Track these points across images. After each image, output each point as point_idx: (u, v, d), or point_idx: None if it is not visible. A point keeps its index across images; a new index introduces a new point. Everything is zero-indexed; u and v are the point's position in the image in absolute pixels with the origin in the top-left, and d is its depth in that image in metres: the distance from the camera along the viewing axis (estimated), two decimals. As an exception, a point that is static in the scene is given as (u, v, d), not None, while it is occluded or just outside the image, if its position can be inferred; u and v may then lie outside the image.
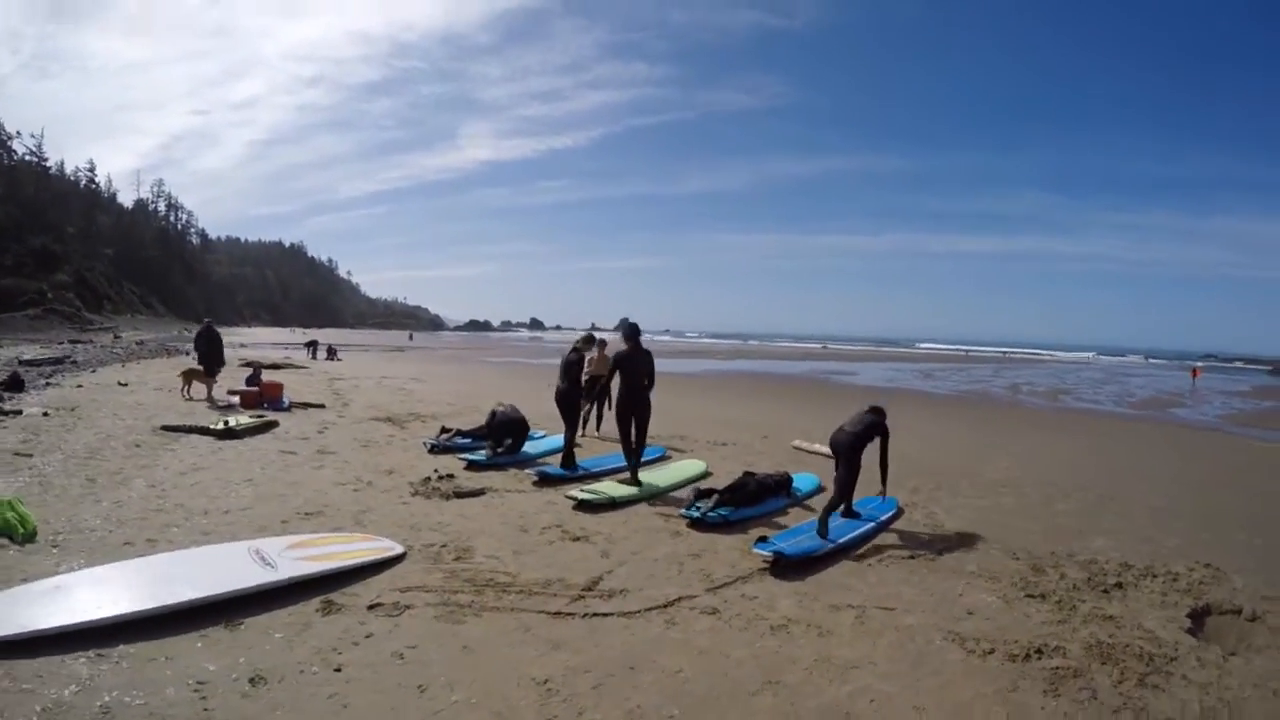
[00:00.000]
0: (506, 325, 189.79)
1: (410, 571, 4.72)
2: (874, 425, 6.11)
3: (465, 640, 3.78)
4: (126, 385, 13.87)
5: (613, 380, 8.03)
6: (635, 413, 7.30)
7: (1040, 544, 6.10)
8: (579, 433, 9.26)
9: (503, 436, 8.68)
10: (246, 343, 35.18)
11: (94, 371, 16.51)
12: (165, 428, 9.39)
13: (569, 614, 4.22)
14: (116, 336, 38.52)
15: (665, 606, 4.42)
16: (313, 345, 31.60)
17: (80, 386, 12.92)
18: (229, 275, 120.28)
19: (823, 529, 5.62)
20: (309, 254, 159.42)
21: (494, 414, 8.76)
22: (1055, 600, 4.79)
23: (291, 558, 4.52)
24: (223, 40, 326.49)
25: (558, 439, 8.86)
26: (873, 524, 6.15)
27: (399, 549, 5.02)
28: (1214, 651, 4.08)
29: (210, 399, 12.73)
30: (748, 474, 6.91)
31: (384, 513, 6.12)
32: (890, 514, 6.51)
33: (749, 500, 6.52)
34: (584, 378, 8.82)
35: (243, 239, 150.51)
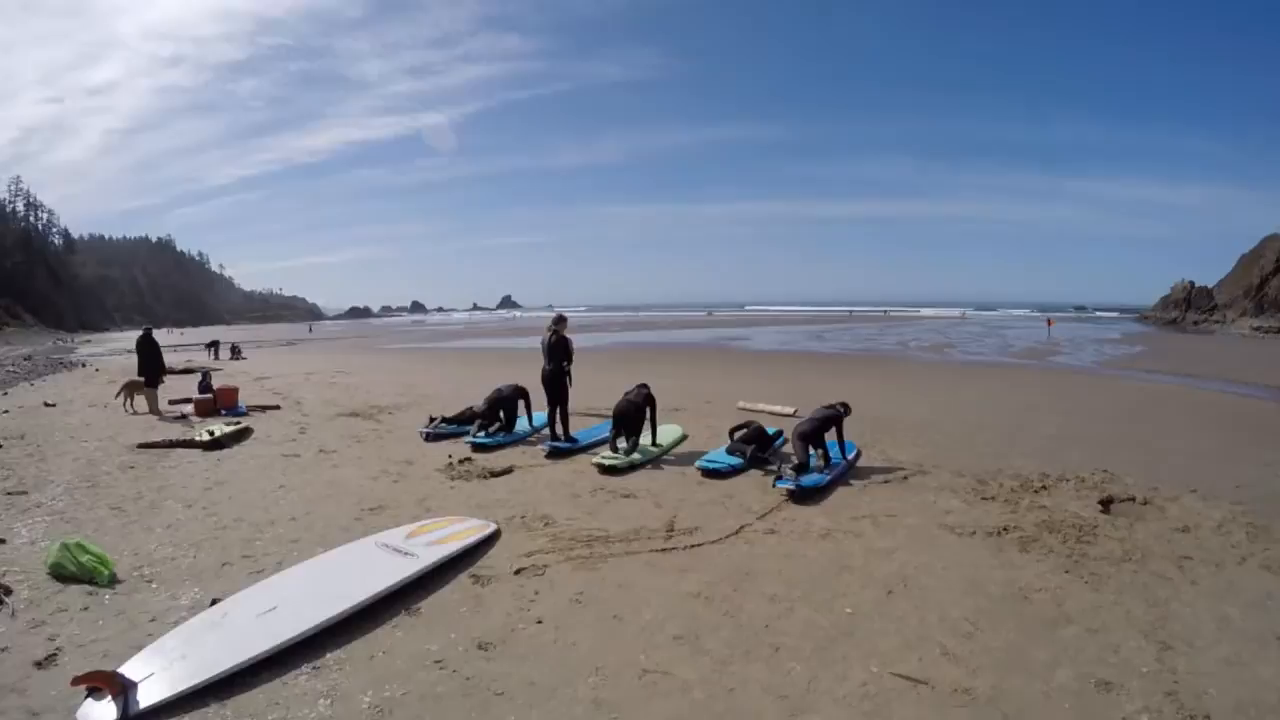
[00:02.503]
0: (386, 310, 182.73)
1: (517, 541, 5.55)
2: (831, 417, 7.51)
3: (614, 580, 4.76)
4: (54, 406, 13.06)
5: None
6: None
7: (975, 466, 7.83)
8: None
9: (496, 413, 9.47)
10: (130, 348, 32.68)
11: (5, 394, 15.46)
12: (144, 445, 9.21)
13: (671, 549, 5.34)
14: (-9, 355, 33.87)
15: (736, 533, 5.68)
16: (214, 345, 29.97)
17: (6, 412, 12.27)
18: (96, 278, 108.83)
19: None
20: (178, 248, 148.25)
21: (496, 391, 9.62)
22: (1003, 500, 6.51)
23: (421, 545, 5.06)
24: (75, 20, 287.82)
25: (540, 416, 9.70)
26: (846, 463, 7.62)
27: (493, 525, 5.75)
28: (1121, 523, 5.84)
29: (156, 410, 12.24)
30: (750, 424, 8.32)
31: (442, 498, 6.82)
32: (854, 454, 7.99)
33: (770, 441, 8.10)
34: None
35: (107, 237, 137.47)
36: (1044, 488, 6.83)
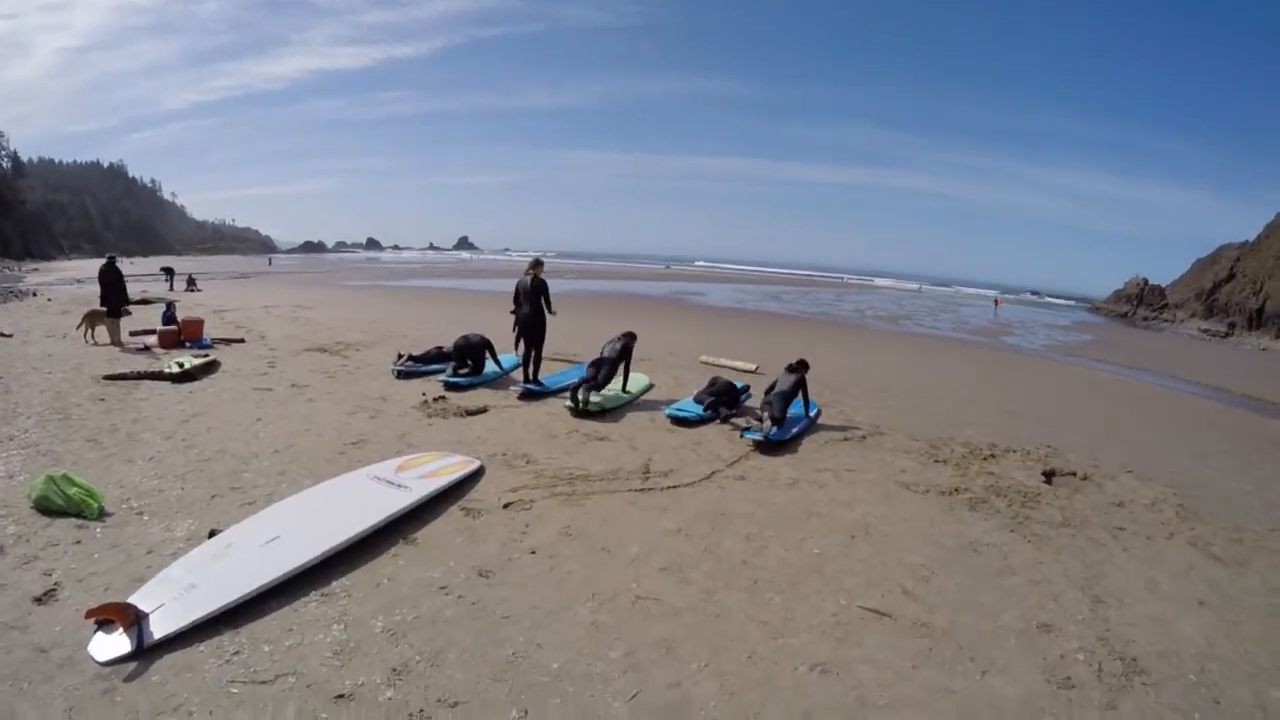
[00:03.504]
0: (341, 246, 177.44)
1: (501, 477, 5.79)
2: (799, 381, 7.91)
3: (598, 516, 5.08)
4: (10, 336, 12.34)
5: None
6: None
7: (928, 431, 8.34)
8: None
9: (464, 358, 9.64)
10: (81, 278, 31.46)
11: (-49, 323, 14.75)
12: (112, 377, 8.99)
13: (649, 489, 5.70)
14: (-70, 280, 31.68)
15: (708, 478, 6.07)
16: (170, 272, 28.97)
17: (-41, 341, 11.75)
18: (44, 203, 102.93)
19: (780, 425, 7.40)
20: (130, 175, 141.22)
21: (463, 338, 9.75)
22: (954, 464, 7.03)
23: (412, 478, 5.23)
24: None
25: (507, 358, 10.00)
26: (809, 419, 8.07)
27: (478, 461, 5.95)
28: (1062, 493, 6.39)
29: (118, 342, 11.84)
30: (718, 378, 8.73)
31: (422, 434, 6.98)
32: (816, 412, 8.43)
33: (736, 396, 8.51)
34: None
35: (57, 161, 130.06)
36: (992, 456, 7.38)
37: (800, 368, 8.03)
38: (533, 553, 4.45)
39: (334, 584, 3.87)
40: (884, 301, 45.58)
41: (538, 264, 9.28)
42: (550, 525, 4.88)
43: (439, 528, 4.76)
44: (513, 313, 9.15)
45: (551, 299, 9.07)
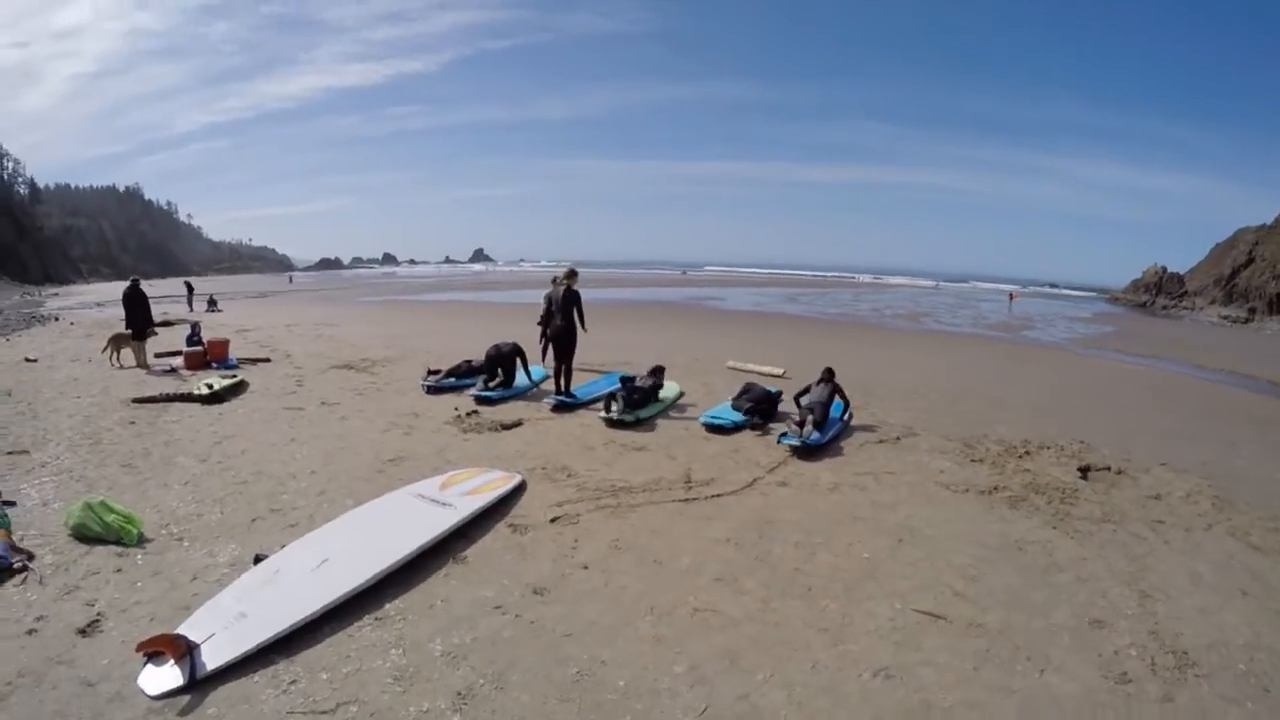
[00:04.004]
0: (357, 261, 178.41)
1: (544, 491, 5.82)
2: (835, 388, 8.00)
3: (646, 528, 5.10)
4: (36, 361, 12.50)
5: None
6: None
7: (961, 431, 8.32)
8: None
9: (495, 368, 9.63)
10: (101, 301, 31.88)
11: (-20, 349, 14.96)
12: (141, 400, 9.05)
13: (693, 499, 5.72)
14: (-46, 307, 31.98)
15: (750, 485, 6.09)
16: (189, 288, 29.37)
17: (-14, 368, 11.88)
18: (62, 228, 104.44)
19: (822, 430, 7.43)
20: (146, 197, 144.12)
21: (494, 347, 9.75)
22: (990, 463, 7.01)
23: (456, 495, 5.22)
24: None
25: (536, 370, 10.03)
26: (842, 423, 8.08)
27: (519, 476, 5.96)
28: (1099, 488, 6.36)
29: (144, 364, 11.97)
30: (752, 384, 8.74)
31: (460, 450, 7.02)
32: (849, 415, 8.41)
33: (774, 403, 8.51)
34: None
35: (74, 185, 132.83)
36: (1027, 453, 7.36)
37: (830, 376, 8.09)
38: (585, 568, 4.46)
39: (387, 607, 3.83)
40: (902, 300, 45.41)
41: (572, 274, 9.25)
42: (599, 539, 4.89)
43: (487, 545, 4.75)
44: (539, 324, 9.15)
45: (584, 312, 9.05)
